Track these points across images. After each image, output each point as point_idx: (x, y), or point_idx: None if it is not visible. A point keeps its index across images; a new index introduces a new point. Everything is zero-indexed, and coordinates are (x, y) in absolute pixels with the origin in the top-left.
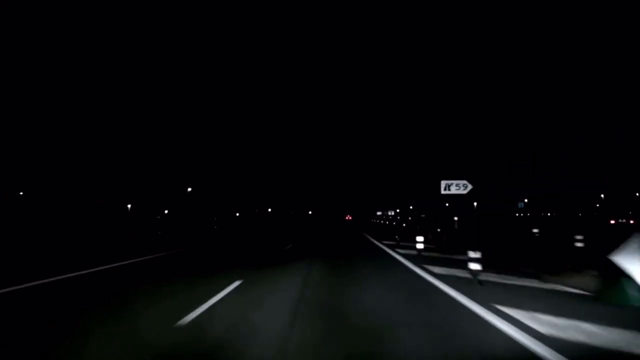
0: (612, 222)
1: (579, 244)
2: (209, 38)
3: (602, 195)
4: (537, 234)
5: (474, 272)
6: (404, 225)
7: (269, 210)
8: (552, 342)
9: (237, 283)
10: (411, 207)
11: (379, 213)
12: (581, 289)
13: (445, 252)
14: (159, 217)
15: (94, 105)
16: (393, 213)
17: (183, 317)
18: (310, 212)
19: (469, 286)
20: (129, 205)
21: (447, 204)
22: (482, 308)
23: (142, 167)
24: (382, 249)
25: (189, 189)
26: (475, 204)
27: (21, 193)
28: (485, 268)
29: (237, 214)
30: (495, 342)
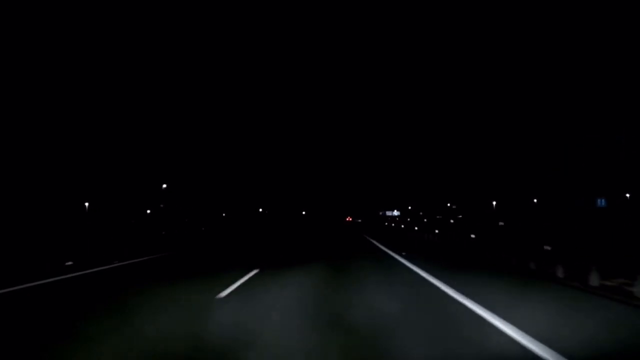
0: None
1: None
2: (190, 29)
3: (628, 195)
4: None
5: None
6: (415, 228)
7: (260, 210)
8: None
9: None
10: (410, 207)
11: (396, 213)
12: None
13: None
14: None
15: (64, 98)
16: (394, 213)
17: None
18: (303, 213)
19: None
20: (87, 204)
21: (452, 206)
22: None
23: (114, 161)
24: None
25: (164, 186)
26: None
27: None
28: None
29: (224, 214)
30: None
